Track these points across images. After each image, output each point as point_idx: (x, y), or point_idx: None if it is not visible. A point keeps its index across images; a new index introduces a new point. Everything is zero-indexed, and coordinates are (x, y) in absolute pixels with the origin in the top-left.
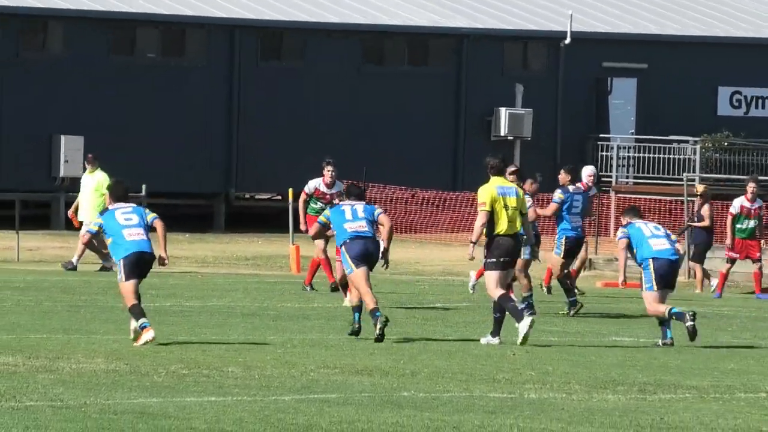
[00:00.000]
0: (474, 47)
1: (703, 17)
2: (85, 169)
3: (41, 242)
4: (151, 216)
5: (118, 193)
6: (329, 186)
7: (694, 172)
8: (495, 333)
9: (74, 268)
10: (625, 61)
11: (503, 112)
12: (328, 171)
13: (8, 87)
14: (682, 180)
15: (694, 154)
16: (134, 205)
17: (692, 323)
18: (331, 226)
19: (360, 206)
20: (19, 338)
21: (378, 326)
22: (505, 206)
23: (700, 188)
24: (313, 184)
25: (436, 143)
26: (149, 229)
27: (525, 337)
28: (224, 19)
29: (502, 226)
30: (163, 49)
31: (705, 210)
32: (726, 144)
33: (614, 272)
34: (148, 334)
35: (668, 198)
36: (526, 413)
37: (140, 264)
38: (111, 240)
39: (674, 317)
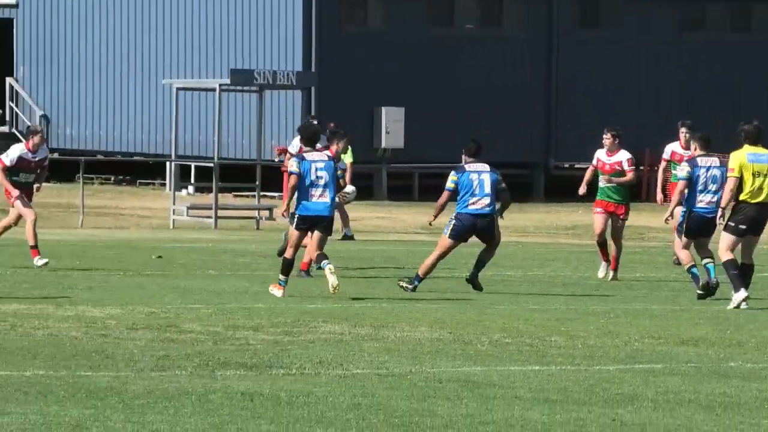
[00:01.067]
0: None
1: None
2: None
3: (364, 212)
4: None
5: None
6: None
7: None
8: (736, 288)
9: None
10: None
11: None
12: (683, 134)
13: (333, 60)
14: None
15: None
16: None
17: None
18: None
19: None
20: (344, 307)
21: None
22: (755, 173)
23: None
24: (670, 148)
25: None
26: None
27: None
28: None
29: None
30: (482, 19)
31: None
32: None
33: None
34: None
35: None
36: None
37: None
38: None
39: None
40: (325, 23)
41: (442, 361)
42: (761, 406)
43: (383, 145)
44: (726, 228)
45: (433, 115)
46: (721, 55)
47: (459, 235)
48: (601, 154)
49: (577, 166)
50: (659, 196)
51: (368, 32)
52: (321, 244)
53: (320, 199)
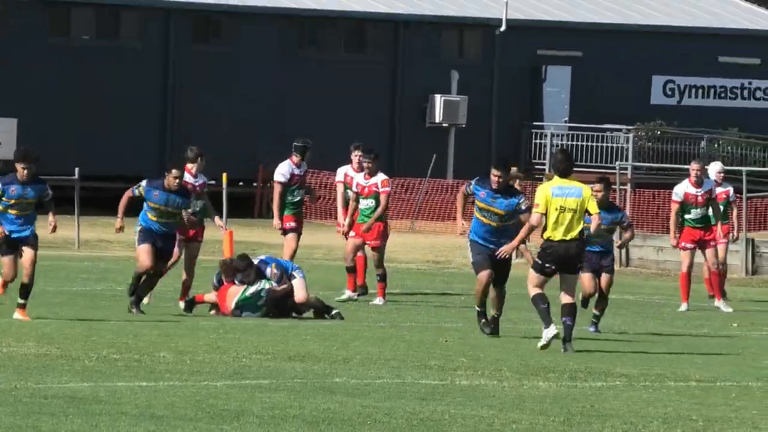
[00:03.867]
0: (411, 34)
1: (638, 5)
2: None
3: None
4: None
5: None
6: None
7: (626, 160)
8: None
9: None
10: (559, 48)
11: (438, 99)
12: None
13: None
14: (614, 168)
15: (627, 142)
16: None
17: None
18: None
19: None
20: None
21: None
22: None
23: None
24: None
25: (372, 129)
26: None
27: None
28: None
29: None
30: (97, 30)
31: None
32: (659, 132)
33: None
34: None
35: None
36: (457, 400)
37: None
38: None
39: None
40: None
41: (49, 377)
42: (363, 422)
43: None
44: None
45: (49, 126)
46: (335, 73)
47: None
48: (358, 177)
49: None
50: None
51: None
52: None
53: None
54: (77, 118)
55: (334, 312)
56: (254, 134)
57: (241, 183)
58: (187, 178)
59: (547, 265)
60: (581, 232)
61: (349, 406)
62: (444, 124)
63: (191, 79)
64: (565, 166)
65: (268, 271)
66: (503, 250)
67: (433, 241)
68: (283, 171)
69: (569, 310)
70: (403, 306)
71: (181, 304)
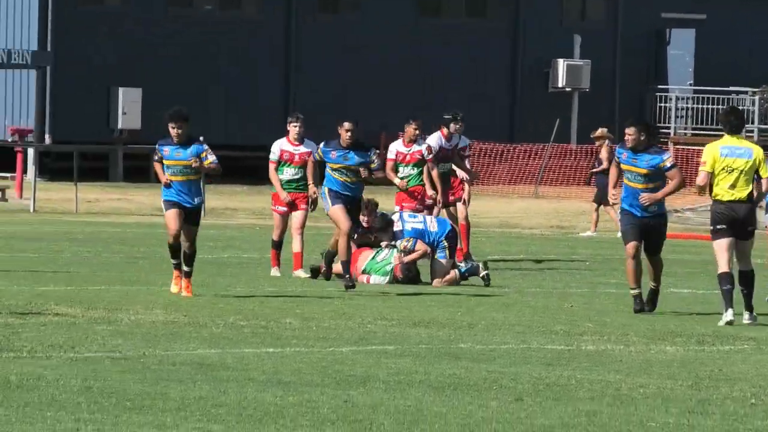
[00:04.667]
0: None
1: None
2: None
3: (100, 194)
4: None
5: None
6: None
7: (752, 123)
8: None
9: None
10: (683, 11)
11: (561, 64)
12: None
13: (70, 39)
14: None
15: (753, 105)
16: None
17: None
18: None
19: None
20: (78, 290)
21: None
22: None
23: (599, 132)
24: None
25: (494, 95)
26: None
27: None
28: None
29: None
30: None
31: (603, 153)
32: None
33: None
34: None
35: None
36: (583, 365)
37: None
38: None
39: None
40: (61, 1)
41: (177, 343)
42: (489, 387)
43: (120, 125)
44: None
45: (171, 96)
46: (456, 39)
47: None
48: (399, 146)
49: None
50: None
51: (105, 11)
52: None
53: None
54: (200, 88)
55: (483, 274)
56: (378, 103)
57: None
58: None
59: (718, 226)
60: (750, 194)
61: (474, 371)
62: (567, 89)
63: (313, 49)
64: (735, 125)
65: (400, 243)
66: (645, 196)
67: (557, 207)
68: (431, 143)
69: (744, 280)
70: (527, 272)
71: (298, 273)
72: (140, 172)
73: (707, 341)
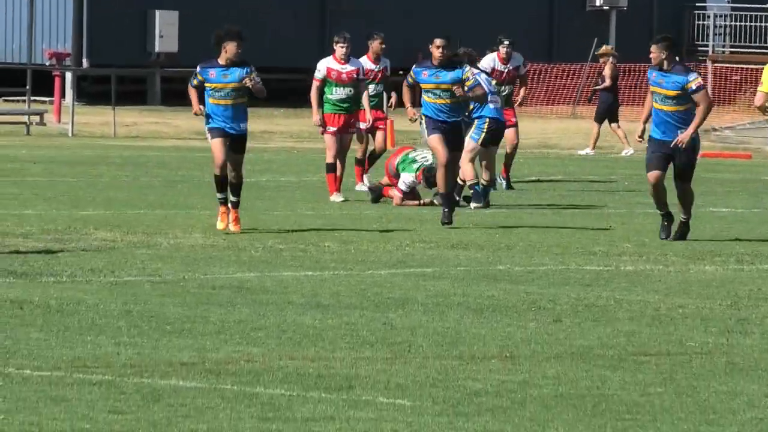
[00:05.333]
0: None
1: None
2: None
3: (137, 118)
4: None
5: None
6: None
7: None
8: None
9: None
10: None
11: None
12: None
13: None
14: None
15: None
16: None
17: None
18: None
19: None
20: (117, 214)
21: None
22: None
23: (603, 48)
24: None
25: (531, 13)
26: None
27: None
28: None
29: None
30: None
31: (606, 71)
32: None
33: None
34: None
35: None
36: (622, 285)
37: None
38: None
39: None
40: None
41: (216, 267)
42: (528, 308)
43: (157, 49)
44: None
45: (208, 19)
46: None
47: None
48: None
49: None
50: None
51: None
52: None
53: None
54: (236, 9)
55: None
56: (410, 25)
57: (401, 72)
58: (369, 64)
59: None
60: None
61: (513, 293)
62: (605, 7)
63: None
64: None
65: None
66: (680, 139)
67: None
68: (485, 65)
69: None
70: (565, 192)
71: (334, 197)
72: (178, 95)
73: (746, 260)
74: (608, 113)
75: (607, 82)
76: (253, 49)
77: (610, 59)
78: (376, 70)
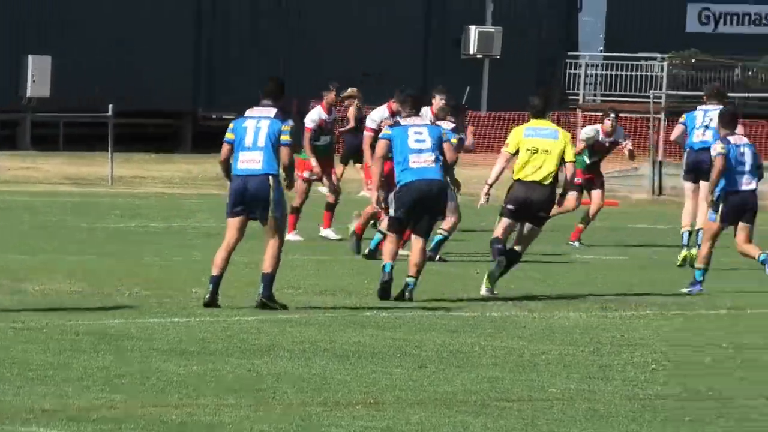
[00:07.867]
0: None
1: None
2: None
3: (7, 162)
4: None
5: None
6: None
7: (661, 89)
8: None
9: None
10: None
11: (473, 30)
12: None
13: None
14: (649, 97)
15: (662, 71)
16: None
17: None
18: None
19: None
20: None
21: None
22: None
23: (348, 91)
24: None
25: (405, 61)
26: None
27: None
28: None
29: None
30: None
31: (351, 112)
32: (693, 61)
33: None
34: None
35: (634, 116)
36: (487, 331)
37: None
38: None
39: None
40: None
41: (80, 313)
42: (394, 354)
43: (29, 93)
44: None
45: (81, 64)
46: (367, 3)
47: None
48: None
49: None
50: None
51: None
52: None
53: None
54: (111, 53)
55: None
56: (302, 66)
57: None
58: (323, 115)
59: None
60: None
61: (379, 339)
62: (478, 56)
63: (225, 5)
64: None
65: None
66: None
67: (469, 174)
68: (375, 117)
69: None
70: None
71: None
72: (48, 140)
73: (610, 308)
74: (353, 154)
75: (352, 123)
76: (126, 91)
77: (356, 101)
78: (329, 120)
